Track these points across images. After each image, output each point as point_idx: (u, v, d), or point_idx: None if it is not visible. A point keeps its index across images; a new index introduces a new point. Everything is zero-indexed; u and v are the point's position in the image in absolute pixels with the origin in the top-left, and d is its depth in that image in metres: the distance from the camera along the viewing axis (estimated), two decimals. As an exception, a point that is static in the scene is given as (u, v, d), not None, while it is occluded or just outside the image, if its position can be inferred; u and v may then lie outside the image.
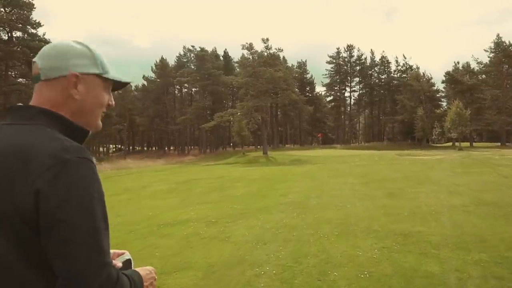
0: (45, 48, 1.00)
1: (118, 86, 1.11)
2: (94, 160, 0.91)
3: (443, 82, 57.83)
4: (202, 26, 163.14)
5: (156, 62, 66.18)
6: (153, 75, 67.12)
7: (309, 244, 5.49)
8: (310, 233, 6.15)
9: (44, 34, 30.66)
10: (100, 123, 1.06)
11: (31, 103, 0.96)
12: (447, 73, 55.34)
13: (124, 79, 1.08)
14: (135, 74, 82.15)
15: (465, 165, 20.28)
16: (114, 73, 1.06)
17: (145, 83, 68.72)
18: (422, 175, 15.41)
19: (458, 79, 52.71)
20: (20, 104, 0.96)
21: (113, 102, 1.09)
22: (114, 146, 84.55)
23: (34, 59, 0.99)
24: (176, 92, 69.64)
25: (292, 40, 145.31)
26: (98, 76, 1.01)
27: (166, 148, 72.61)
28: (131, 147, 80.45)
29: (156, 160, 46.88)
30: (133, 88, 71.85)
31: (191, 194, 13.77)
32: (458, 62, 57.83)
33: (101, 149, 69.36)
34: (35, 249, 0.83)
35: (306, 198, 10.36)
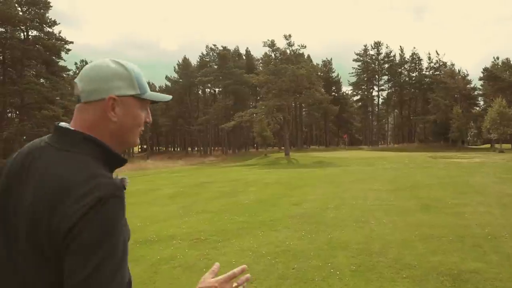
0: (85, 69, 1.02)
1: (154, 101, 1.12)
2: (124, 184, 0.94)
3: (480, 79, 53.89)
4: (228, 28, 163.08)
5: (179, 62, 65.88)
6: (176, 75, 66.85)
7: (312, 287, 3.86)
8: (317, 265, 4.52)
9: (60, 32, 30.76)
10: (138, 140, 1.08)
11: (72, 123, 1.00)
12: (486, 69, 51.43)
13: (163, 98, 1.11)
14: (163, 76, 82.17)
15: (511, 169, 17.80)
16: (150, 92, 1.06)
17: (169, 83, 68.59)
18: (461, 181, 13.28)
19: (498, 75, 48.78)
20: (67, 126, 0.99)
21: (151, 119, 1.09)
22: (139, 146, 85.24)
23: (75, 80, 1.01)
24: (199, 92, 69.13)
25: (317, 40, 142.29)
26: (135, 97, 1.02)
27: (189, 149, 72.27)
28: (155, 148, 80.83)
29: (176, 161, 46.19)
30: (157, 88, 72.14)
31: (196, 200, 12.38)
32: (498, 58, 53.55)
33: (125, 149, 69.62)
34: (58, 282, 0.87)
35: (321, 209, 8.68)
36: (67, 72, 34.22)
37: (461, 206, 8.04)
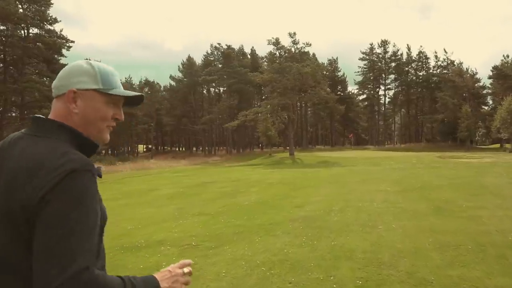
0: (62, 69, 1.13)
1: (133, 101, 1.20)
2: (98, 171, 1.02)
3: (489, 77, 52.69)
4: (233, 28, 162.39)
5: (183, 61, 65.47)
6: (180, 74, 66.47)
7: (311, 306, 3.30)
8: (318, 279, 3.95)
9: (61, 31, 30.31)
10: (106, 136, 1.14)
11: (49, 116, 1.08)
12: (495, 68, 50.25)
13: (128, 93, 1.15)
14: (167, 77, 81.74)
15: (525, 170, 17.05)
16: (119, 89, 1.12)
17: (173, 83, 68.23)
18: (474, 182, 12.60)
19: (508, 73, 47.64)
20: (40, 116, 1.07)
21: (122, 116, 1.15)
22: (144, 146, 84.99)
23: None
24: (204, 91, 68.66)
25: (322, 39, 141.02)
26: (98, 91, 1.08)
27: (194, 149, 71.86)
28: (160, 148, 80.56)
29: (180, 160, 45.76)
30: (161, 88, 71.85)
31: (194, 201, 11.86)
32: (508, 56, 52.28)
33: (128, 149, 69.60)
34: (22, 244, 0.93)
35: (325, 212, 8.09)
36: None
37: (476, 209, 7.41)
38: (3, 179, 0.98)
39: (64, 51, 30.09)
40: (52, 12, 28.14)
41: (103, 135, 1.12)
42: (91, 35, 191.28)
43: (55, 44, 27.33)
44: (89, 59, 1.13)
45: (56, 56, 29.62)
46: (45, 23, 28.89)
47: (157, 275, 1.08)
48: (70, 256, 0.85)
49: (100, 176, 1.04)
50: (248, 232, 6.57)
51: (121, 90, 1.12)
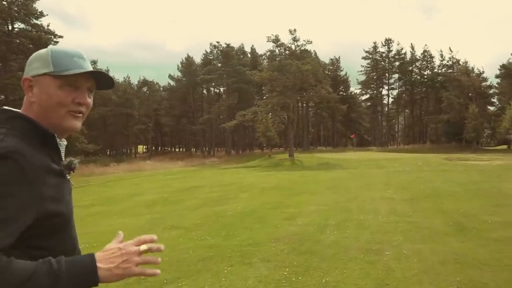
0: None
1: (103, 84, 1.10)
2: (70, 165, 1.03)
3: (497, 76, 51.01)
4: (235, 29, 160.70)
5: (183, 60, 64.14)
6: (179, 74, 65.14)
7: None
8: None
9: (48, 25, 28.76)
10: (70, 123, 1.03)
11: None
12: (503, 66, 48.56)
13: (76, 71, 1.02)
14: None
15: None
16: (74, 70, 1.02)
17: (172, 82, 66.92)
18: (491, 188, 11.14)
19: (516, 72, 46.02)
20: (4, 108, 1.02)
21: (86, 100, 1.05)
22: (145, 146, 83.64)
23: None
24: (204, 91, 67.27)
25: (323, 40, 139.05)
26: (49, 75, 1.01)
27: (193, 150, 70.48)
28: (159, 148, 79.27)
29: (176, 162, 44.40)
30: (160, 88, 70.54)
31: (174, 210, 10.49)
32: (515, 54, 50.60)
33: (126, 150, 68.33)
34: None
35: (319, 227, 6.68)
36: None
37: (507, 227, 5.96)
38: None
39: (51, 46, 28.30)
40: (50, 12, 27.03)
41: (66, 122, 1.03)
42: (94, 36, 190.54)
43: (40, 39, 25.93)
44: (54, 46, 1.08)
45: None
46: (31, 17, 27.53)
47: (98, 254, 0.91)
48: None
49: (73, 171, 1.05)
50: (219, 257, 5.17)
51: (74, 70, 1.01)
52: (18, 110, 1.00)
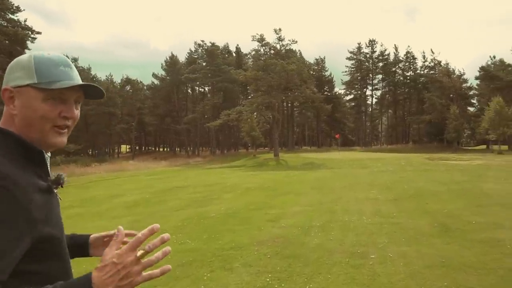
0: None
1: (92, 95, 1.02)
2: (58, 180, 0.96)
3: (477, 78, 52.21)
4: (220, 29, 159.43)
5: (167, 59, 63.29)
6: (163, 72, 64.26)
7: None
8: None
9: (25, 21, 27.62)
10: (54, 139, 0.95)
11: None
12: (482, 68, 49.72)
13: (63, 85, 0.93)
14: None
15: (522, 173, 15.86)
16: (62, 82, 0.93)
17: (156, 81, 65.98)
18: (474, 188, 11.24)
19: (495, 74, 47.15)
20: None
21: (73, 113, 0.96)
22: (128, 146, 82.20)
23: None
24: (189, 90, 66.52)
25: (308, 42, 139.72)
26: (32, 87, 0.92)
27: (177, 149, 69.66)
28: (143, 148, 78.07)
29: (160, 162, 43.74)
30: (144, 87, 69.43)
31: (155, 212, 10.18)
32: (494, 57, 51.86)
33: (109, 149, 67.02)
34: None
35: (303, 229, 6.53)
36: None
37: (491, 228, 5.94)
38: None
39: (28, 43, 27.48)
40: (28, 7, 25.97)
41: (49, 138, 0.94)
42: (76, 34, 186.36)
43: (17, 35, 24.93)
44: (36, 52, 0.96)
45: (18, 48, 26.94)
46: (6, 12, 26.36)
47: (96, 276, 0.80)
48: None
49: (61, 186, 0.98)
50: (199, 262, 4.94)
51: (61, 83, 0.93)
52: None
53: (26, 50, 29.31)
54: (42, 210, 0.87)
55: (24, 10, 26.72)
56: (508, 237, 5.24)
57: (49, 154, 1.01)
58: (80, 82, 0.95)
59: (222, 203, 10.82)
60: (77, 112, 0.98)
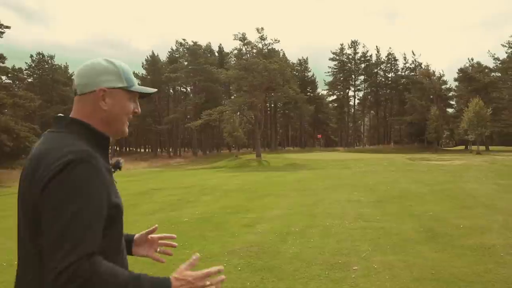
0: (80, 67, 1.16)
1: (144, 94, 1.24)
2: (117, 164, 1.18)
3: (455, 80, 53.15)
4: (203, 30, 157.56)
5: (147, 58, 61.94)
6: (144, 72, 62.87)
7: None
8: None
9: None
10: (126, 129, 1.19)
11: (71, 113, 1.13)
12: (461, 70, 50.62)
13: (147, 90, 1.23)
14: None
15: (502, 173, 15.84)
16: (137, 86, 1.19)
17: (136, 80, 64.42)
18: (456, 189, 11.00)
19: (473, 76, 48.03)
20: (60, 115, 1.13)
21: (139, 110, 1.21)
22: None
23: (73, 77, 1.16)
24: (170, 90, 65.30)
25: (291, 42, 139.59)
26: (123, 89, 1.15)
27: (159, 150, 68.32)
28: (124, 148, 76.28)
29: (140, 163, 42.62)
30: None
31: (125, 216, 9.35)
32: (472, 59, 52.90)
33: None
34: (40, 233, 0.95)
35: (280, 235, 6.00)
36: (2, 61, 29.81)
37: (479, 232, 5.55)
38: (24, 174, 1.04)
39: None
40: (3, 3, 24.41)
41: (124, 128, 1.18)
42: (56, 33, 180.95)
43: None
44: (109, 59, 1.18)
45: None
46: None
47: (174, 281, 1.00)
48: (71, 244, 0.87)
49: (120, 169, 1.19)
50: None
51: (140, 87, 1.20)
52: (72, 116, 1.11)
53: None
54: (112, 186, 1.06)
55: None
56: (498, 242, 4.84)
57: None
58: (148, 88, 1.25)
59: (198, 206, 10.21)
60: None
